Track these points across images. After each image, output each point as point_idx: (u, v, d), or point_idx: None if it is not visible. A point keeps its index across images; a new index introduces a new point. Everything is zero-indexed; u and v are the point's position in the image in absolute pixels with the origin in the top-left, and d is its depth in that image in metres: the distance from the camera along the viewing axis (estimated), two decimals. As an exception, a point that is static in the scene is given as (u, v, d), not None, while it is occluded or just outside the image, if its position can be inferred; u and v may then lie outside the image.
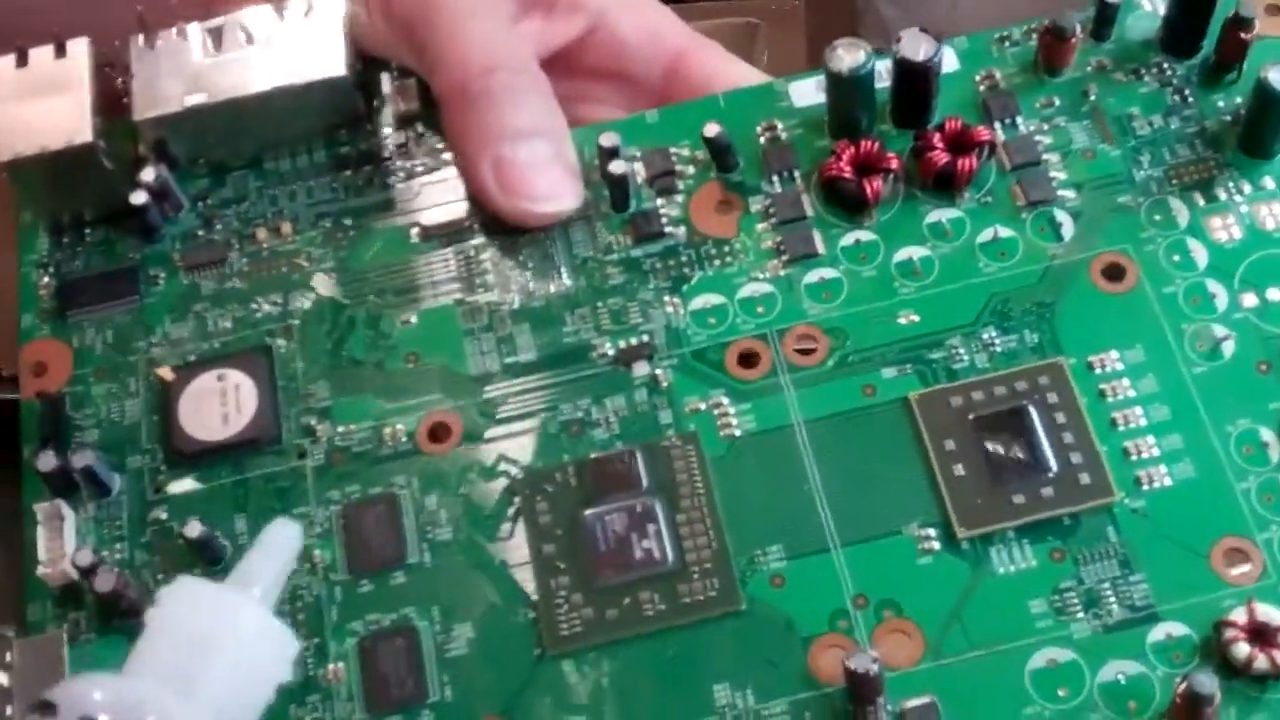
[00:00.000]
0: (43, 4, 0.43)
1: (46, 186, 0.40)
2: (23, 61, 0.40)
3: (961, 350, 0.37)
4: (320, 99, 0.40)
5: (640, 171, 0.40)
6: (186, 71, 0.40)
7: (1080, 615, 0.33)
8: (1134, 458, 0.35)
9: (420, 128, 0.42)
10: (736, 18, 0.58)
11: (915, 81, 0.38)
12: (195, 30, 0.40)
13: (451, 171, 0.41)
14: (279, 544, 0.34)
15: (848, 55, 0.38)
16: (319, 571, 0.36)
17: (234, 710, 0.31)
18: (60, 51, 0.40)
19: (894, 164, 0.39)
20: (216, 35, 0.40)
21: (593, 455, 0.36)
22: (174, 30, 0.40)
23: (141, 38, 0.40)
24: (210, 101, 0.39)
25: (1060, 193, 0.39)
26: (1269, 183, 0.38)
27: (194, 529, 0.35)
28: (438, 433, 0.37)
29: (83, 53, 0.40)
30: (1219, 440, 0.35)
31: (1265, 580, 0.33)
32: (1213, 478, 0.35)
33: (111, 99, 0.40)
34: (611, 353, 0.38)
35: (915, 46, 0.38)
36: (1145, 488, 0.35)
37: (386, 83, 0.42)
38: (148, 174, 0.40)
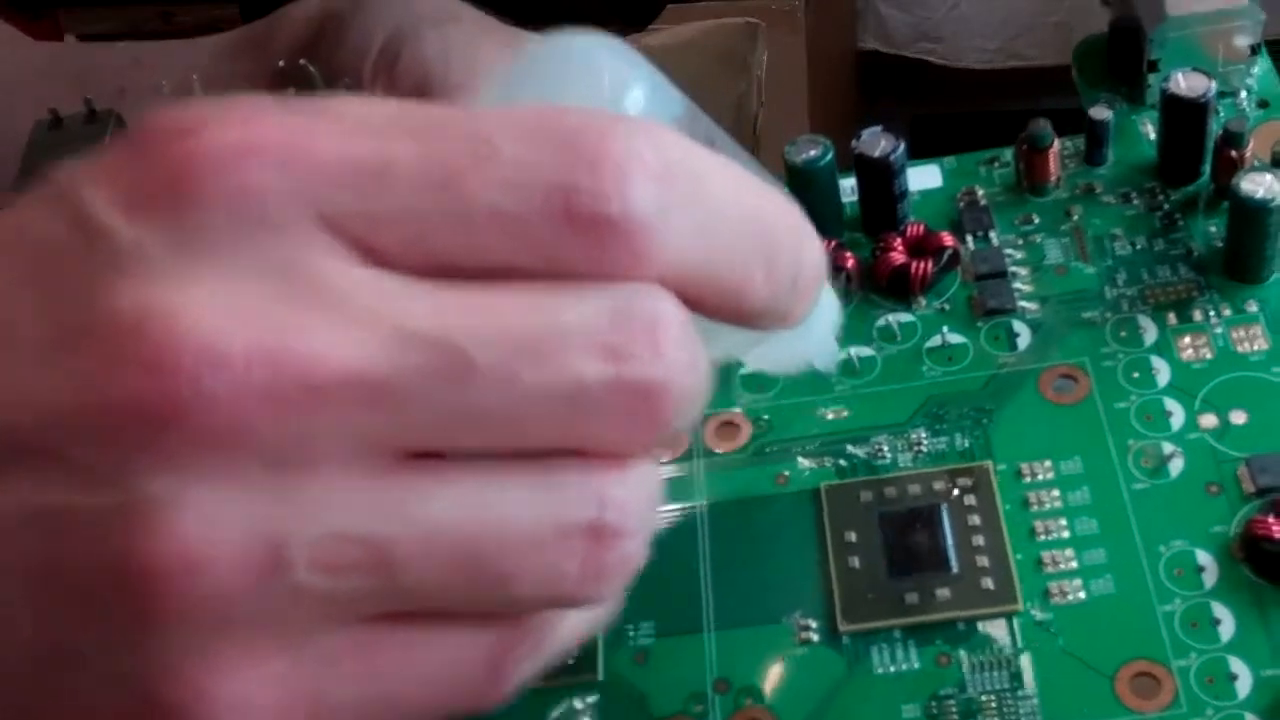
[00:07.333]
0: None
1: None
2: (57, 124, 0.43)
3: (886, 448, 0.35)
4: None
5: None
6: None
7: (955, 726, 0.30)
8: (1049, 569, 0.32)
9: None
10: (736, 18, 0.58)
11: (875, 179, 0.37)
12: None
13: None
14: None
15: (805, 148, 0.37)
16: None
17: None
18: (91, 118, 0.43)
19: (849, 263, 0.37)
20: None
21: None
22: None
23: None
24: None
25: (1022, 304, 0.36)
26: (1252, 306, 0.35)
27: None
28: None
29: (109, 118, 0.43)
30: (1148, 559, 0.31)
31: (1174, 710, 0.29)
32: (1134, 597, 0.31)
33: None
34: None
35: (874, 143, 0.37)
36: (1055, 600, 0.31)
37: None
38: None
